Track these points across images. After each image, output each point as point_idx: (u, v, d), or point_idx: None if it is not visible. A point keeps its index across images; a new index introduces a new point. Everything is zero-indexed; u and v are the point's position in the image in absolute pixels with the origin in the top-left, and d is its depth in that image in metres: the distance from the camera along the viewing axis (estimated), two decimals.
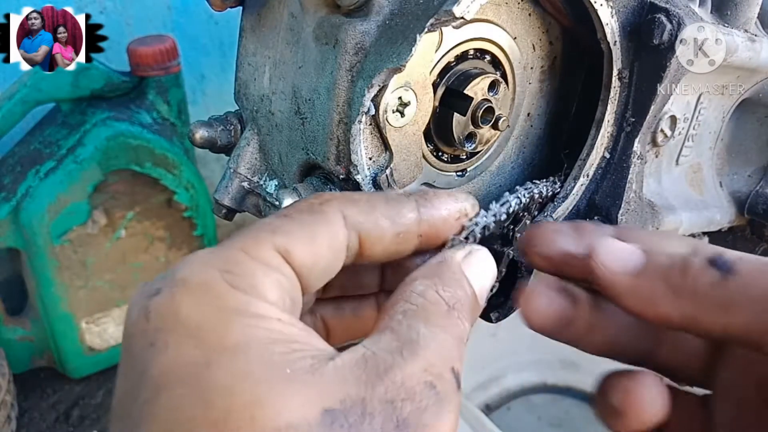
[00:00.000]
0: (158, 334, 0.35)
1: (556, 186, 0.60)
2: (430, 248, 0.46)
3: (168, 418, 0.32)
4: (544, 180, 0.59)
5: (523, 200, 0.56)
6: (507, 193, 0.56)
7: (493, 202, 0.54)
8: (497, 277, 0.49)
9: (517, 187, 0.57)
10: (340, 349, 0.54)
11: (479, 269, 0.46)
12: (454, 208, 0.47)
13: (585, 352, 0.50)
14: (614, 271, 0.45)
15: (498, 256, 0.53)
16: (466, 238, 0.51)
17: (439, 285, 0.42)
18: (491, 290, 0.48)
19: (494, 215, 0.53)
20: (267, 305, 0.36)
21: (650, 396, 0.45)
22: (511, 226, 0.57)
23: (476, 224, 0.52)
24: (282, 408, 0.32)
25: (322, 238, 0.41)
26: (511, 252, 0.57)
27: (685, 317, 0.43)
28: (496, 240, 0.56)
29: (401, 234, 0.44)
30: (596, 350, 0.49)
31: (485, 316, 0.55)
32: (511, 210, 0.55)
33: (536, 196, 0.58)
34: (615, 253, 0.46)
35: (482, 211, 0.53)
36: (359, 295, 0.54)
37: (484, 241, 0.52)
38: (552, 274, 0.48)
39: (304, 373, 0.34)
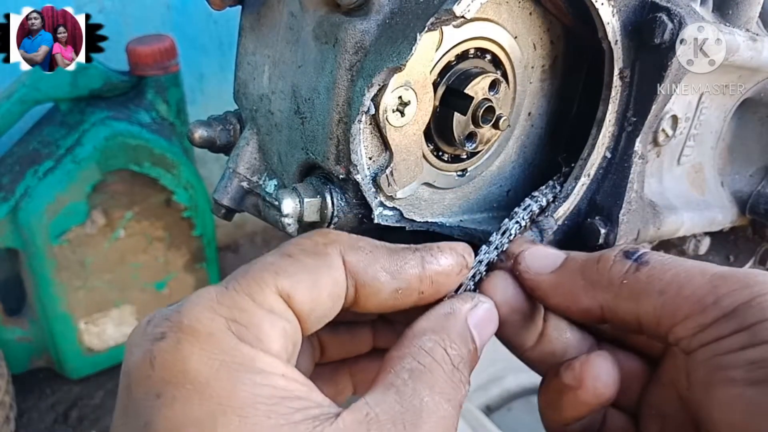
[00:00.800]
0: (165, 386, 0.35)
1: (557, 189, 0.59)
2: (429, 304, 0.46)
3: None
4: (542, 188, 0.59)
5: (523, 223, 0.55)
6: (507, 220, 0.55)
7: (495, 233, 0.54)
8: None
9: (516, 210, 0.56)
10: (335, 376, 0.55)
11: (483, 323, 0.47)
12: (457, 262, 0.48)
13: (525, 362, 0.52)
14: (536, 271, 0.49)
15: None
16: (473, 277, 0.50)
17: (447, 342, 0.42)
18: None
19: (496, 247, 0.53)
20: (271, 359, 0.37)
21: (606, 367, 0.47)
22: None
23: (480, 262, 0.51)
24: None
25: (324, 284, 0.42)
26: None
27: (604, 309, 0.46)
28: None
29: (401, 290, 0.45)
30: (538, 362, 0.51)
31: None
32: (512, 238, 0.54)
33: (536, 211, 0.57)
34: (537, 255, 0.50)
35: (484, 247, 0.52)
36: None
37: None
38: None
39: None
